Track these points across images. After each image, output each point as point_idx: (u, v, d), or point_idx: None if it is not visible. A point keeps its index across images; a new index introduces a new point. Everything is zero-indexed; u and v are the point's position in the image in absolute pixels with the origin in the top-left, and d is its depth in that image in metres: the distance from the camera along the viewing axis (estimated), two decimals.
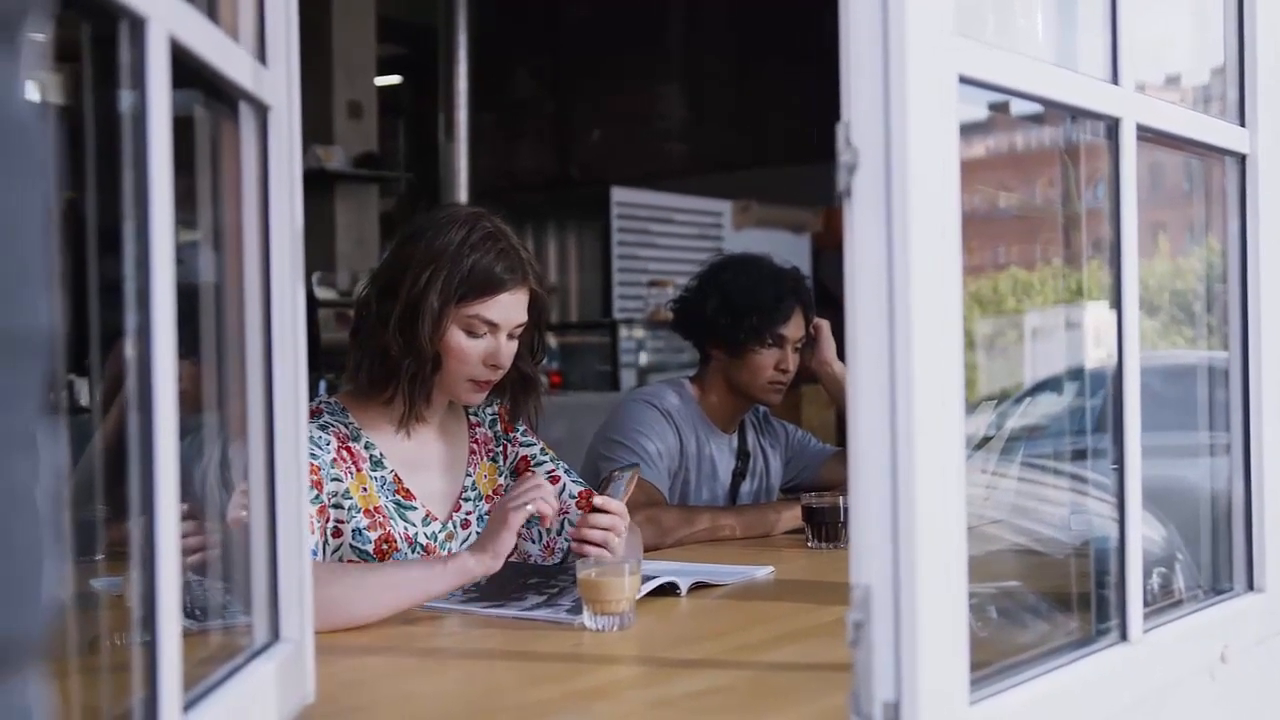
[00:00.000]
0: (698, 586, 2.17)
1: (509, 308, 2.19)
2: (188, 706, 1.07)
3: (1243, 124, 1.80)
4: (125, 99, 1.00)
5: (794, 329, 2.98)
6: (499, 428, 2.40)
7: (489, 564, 1.96)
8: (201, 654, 1.30)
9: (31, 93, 0.58)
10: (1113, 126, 1.51)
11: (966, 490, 1.23)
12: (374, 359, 2.18)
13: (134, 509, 1.00)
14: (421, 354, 2.15)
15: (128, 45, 0.99)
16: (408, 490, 2.22)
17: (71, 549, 0.65)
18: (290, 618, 1.37)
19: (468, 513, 2.31)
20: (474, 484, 2.34)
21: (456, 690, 1.63)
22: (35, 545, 0.56)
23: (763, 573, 2.33)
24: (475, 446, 2.36)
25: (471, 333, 2.17)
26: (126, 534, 1.07)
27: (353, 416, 2.22)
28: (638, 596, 1.91)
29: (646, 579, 2.03)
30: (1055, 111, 1.60)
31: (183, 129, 1.07)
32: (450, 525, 2.27)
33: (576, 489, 2.35)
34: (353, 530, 2.14)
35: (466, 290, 2.15)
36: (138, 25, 0.98)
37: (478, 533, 2.27)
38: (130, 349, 1.00)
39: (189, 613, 1.24)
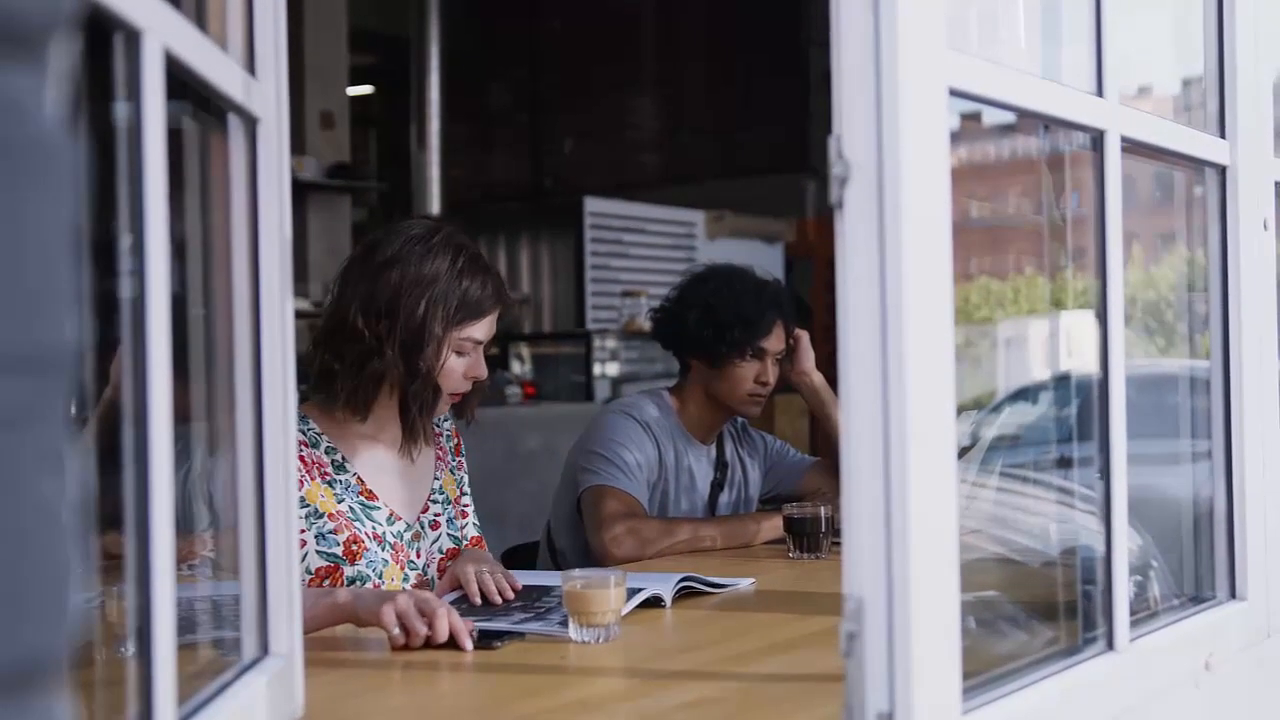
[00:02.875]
0: (684, 592, 2.17)
1: (491, 325, 2.30)
2: None
3: (1223, 135, 1.81)
4: (119, 110, 1.00)
5: (775, 342, 2.99)
6: (452, 444, 2.48)
7: (356, 615, 1.92)
8: (188, 668, 1.29)
9: (56, 108, 0.57)
10: (1098, 138, 1.52)
11: None
12: (369, 383, 2.22)
13: (129, 523, 1.00)
14: (429, 379, 2.22)
15: (123, 57, 0.98)
16: (371, 491, 2.27)
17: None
18: (279, 632, 1.36)
19: (436, 514, 2.37)
20: (441, 488, 2.40)
21: (444, 705, 1.62)
22: (63, 563, 0.56)
23: (745, 584, 2.33)
24: (440, 454, 2.43)
25: (460, 352, 2.26)
26: (109, 547, 1.06)
27: (315, 423, 2.26)
28: (625, 611, 1.91)
29: (631, 592, 2.02)
30: (1028, 122, 1.61)
31: (170, 140, 1.07)
32: (418, 525, 2.32)
33: (473, 533, 2.45)
34: (317, 536, 2.17)
35: (464, 315, 2.24)
36: (133, 37, 0.98)
37: (447, 534, 2.36)
38: (124, 362, 1.00)
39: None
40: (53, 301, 0.56)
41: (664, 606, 2.10)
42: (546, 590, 2.17)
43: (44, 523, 0.55)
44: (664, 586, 2.13)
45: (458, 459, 2.49)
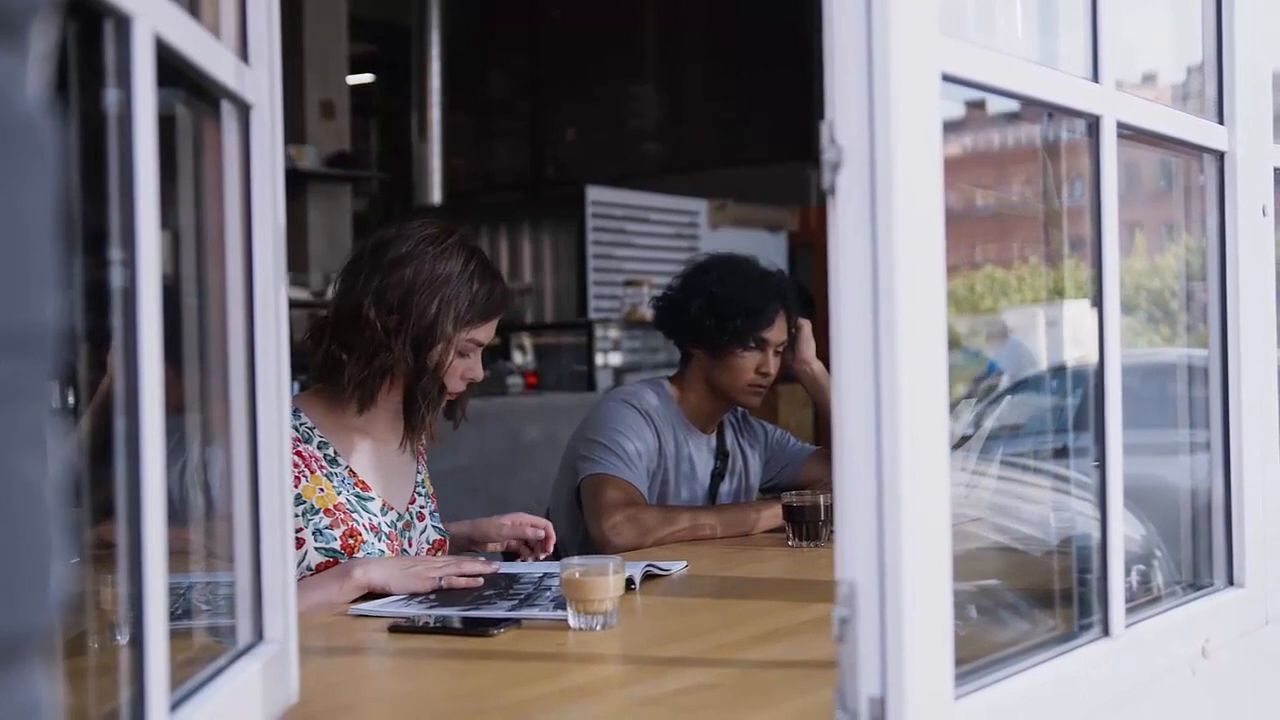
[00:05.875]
0: (649, 577, 2.22)
1: (493, 329, 2.36)
2: (174, 706, 1.07)
3: (1221, 121, 1.81)
4: (109, 97, 1.00)
5: (777, 333, 2.98)
6: (427, 443, 2.51)
7: (378, 582, 2.10)
8: (183, 654, 1.30)
9: (37, 91, 0.58)
10: (1093, 124, 1.52)
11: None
12: (376, 375, 2.26)
13: (120, 510, 1.00)
14: (436, 375, 2.27)
15: (113, 43, 0.98)
16: (364, 482, 2.30)
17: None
18: (274, 618, 1.37)
19: (421, 506, 2.42)
20: (423, 482, 2.45)
21: (441, 691, 1.62)
22: (45, 541, 0.57)
23: (679, 567, 2.36)
24: (421, 450, 2.47)
25: (462, 353, 2.30)
26: (106, 535, 1.06)
27: (306, 417, 2.27)
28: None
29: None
30: (1032, 110, 1.60)
31: (163, 127, 1.07)
32: (408, 515, 2.37)
33: (434, 536, 2.45)
34: (314, 532, 2.20)
35: (472, 316, 2.28)
36: (123, 23, 0.97)
37: (433, 526, 2.42)
38: (115, 351, 1.00)
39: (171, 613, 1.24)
40: (34, 283, 0.56)
41: (634, 590, 2.12)
42: (516, 579, 2.18)
43: (26, 501, 0.56)
44: (633, 570, 2.16)
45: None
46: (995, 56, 1.36)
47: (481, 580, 2.14)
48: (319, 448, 2.27)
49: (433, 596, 2.07)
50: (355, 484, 2.28)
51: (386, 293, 2.24)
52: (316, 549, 2.19)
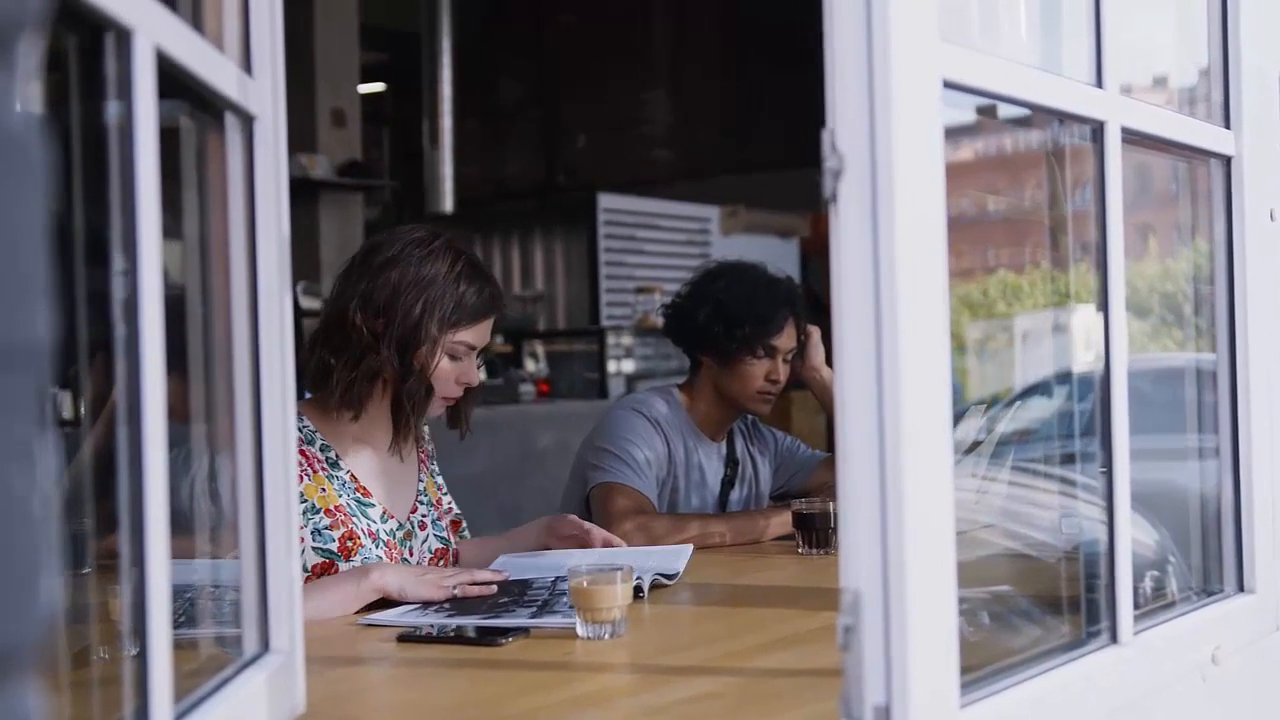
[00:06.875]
0: (656, 586, 2.21)
1: (487, 332, 2.34)
2: (178, 718, 1.07)
3: (1228, 126, 1.80)
4: (111, 109, 1.00)
5: (786, 340, 2.98)
6: (431, 448, 2.52)
7: (393, 588, 2.07)
8: (189, 665, 1.30)
9: (27, 105, 0.58)
10: (1098, 130, 1.51)
11: (956, 495, 1.23)
12: (364, 379, 2.26)
13: (124, 522, 1.00)
14: (422, 377, 2.26)
15: (114, 56, 0.98)
16: (365, 488, 2.31)
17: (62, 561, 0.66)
18: (280, 629, 1.37)
19: (423, 515, 2.42)
20: (424, 489, 2.45)
21: (448, 701, 1.62)
22: (33, 554, 0.57)
23: (684, 556, 2.37)
24: (423, 457, 2.48)
25: (453, 356, 2.30)
26: (115, 546, 1.07)
27: (309, 421, 2.29)
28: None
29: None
30: (1042, 115, 1.60)
31: (167, 139, 1.07)
32: (409, 525, 2.37)
33: (436, 545, 2.44)
34: (313, 532, 2.20)
35: (459, 318, 2.27)
36: (124, 36, 0.98)
37: (434, 535, 2.42)
38: (118, 362, 1.00)
39: (175, 622, 1.24)
40: (24, 297, 0.56)
41: (642, 598, 2.11)
42: (528, 585, 2.18)
43: (14, 515, 0.56)
44: (669, 560, 2.16)
45: (434, 464, 2.53)
46: (997, 62, 1.36)
47: (495, 589, 2.13)
48: (321, 450, 2.28)
49: (447, 606, 2.06)
50: (356, 489, 2.29)
51: (373, 296, 2.25)
52: (314, 549, 2.20)
